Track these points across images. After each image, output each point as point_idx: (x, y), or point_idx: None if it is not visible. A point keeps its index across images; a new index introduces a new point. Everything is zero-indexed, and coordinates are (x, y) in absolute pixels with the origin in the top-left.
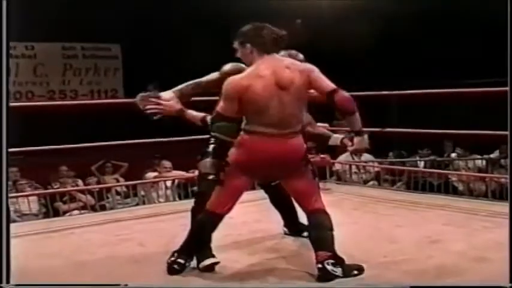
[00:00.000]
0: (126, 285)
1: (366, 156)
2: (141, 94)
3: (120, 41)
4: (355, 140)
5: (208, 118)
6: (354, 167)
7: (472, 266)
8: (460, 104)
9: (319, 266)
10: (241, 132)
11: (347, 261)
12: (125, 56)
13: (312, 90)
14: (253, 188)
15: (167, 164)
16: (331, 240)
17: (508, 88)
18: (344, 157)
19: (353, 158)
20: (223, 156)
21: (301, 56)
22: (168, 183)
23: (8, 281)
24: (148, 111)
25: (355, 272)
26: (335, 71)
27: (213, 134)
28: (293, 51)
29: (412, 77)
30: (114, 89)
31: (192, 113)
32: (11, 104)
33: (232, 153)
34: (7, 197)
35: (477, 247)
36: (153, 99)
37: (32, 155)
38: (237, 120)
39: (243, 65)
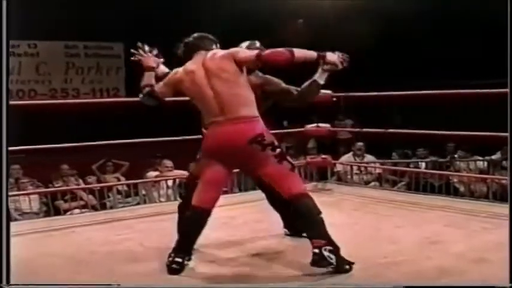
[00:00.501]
0: (119, 285)
1: (368, 157)
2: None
3: (123, 39)
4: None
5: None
6: (355, 168)
7: (471, 267)
8: (462, 105)
9: (316, 251)
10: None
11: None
12: (127, 55)
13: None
14: (253, 188)
15: (168, 163)
16: (322, 226)
17: (508, 89)
18: (346, 158)
19: (355, 159)
20: None
21: (257, 43)
22: (169, 183)
23: (8, 281)
24: (132, 58)
25: (347, 267)
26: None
27: None
28: (253, 41)
29: (414, 78)
30: (116, 88)
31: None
32: (14, 103)
33: (201, 147)
34: (7, 197)
35: (477, 248)
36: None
37: (34, 154)
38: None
39: None
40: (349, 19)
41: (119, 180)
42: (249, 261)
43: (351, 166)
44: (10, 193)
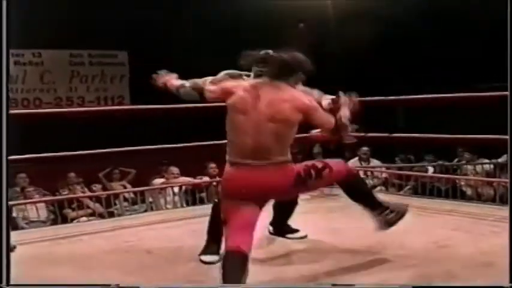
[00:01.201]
0: (118, 285)
1: (374, 162)
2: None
3: (128, 47)
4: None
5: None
6: (361, 172)
7: (480, 271)
8: (467, 108)
9: (380, 218)
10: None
11: (355, 267)
12: (132, 63)
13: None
14: None
15: (175, 170)
16: (374, 196)
17: (508, 92)
18: (352, 162)
19: (361, 164)
20: None
21: (239, 73)
22: (176, 190)
23: (8, 282)
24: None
25: (406, 208)
26: (340, 75)
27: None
28: (233, 72)
29: (418, 82)
30: (121, 96)
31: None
32: (19, 111)
33: (221, 186)
34: (7, 197)
35: (485, 252)
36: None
37: (40, 162)
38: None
39: (238, 72)
40: (351, 22)
41: (125, 187)
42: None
43: (357, 171)
44: (17, 202)
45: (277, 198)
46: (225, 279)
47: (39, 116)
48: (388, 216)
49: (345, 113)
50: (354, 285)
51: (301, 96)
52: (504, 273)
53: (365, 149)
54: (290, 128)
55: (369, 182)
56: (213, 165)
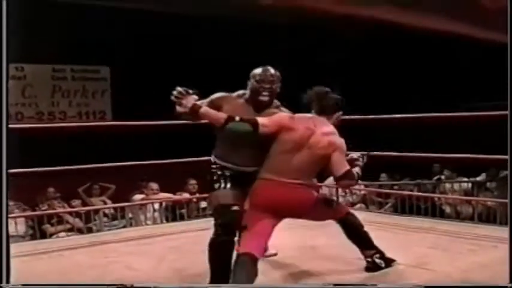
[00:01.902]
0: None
1: None
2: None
3: (110, 63)
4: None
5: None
6: (340, 189)
7: None
8: (448, 128)
9: (369, 259)
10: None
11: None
12: (114, 78)
13: None
14: None
15: (154, 186)
16: (369, 238)
17: (508, 112)
18: (331, 180)
19: None
20: (239, 186)
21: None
22: (156, 206)
23: (7, 281)
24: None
25: (392, 264)
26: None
27: (223, 163)
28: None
29: (398, 101)
30: (103, 111)
31: (210, 111)
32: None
33: (249, 198)
34: (7, 197)
35: (462, 270)
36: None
37: (20, 177)
38: (256, 129)
39: (231, 94)
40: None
41: (105, 203)
42: None
43: (337, 188)
44: None
45: (295, 216)
46: (235, 278)
47: (20, 131)
48: (377, 260)
49: (357, 170)
50: (356, 285)
51: (337, 135)
52: None
53: None
54: (325, 159)
55: (348, 199)
56: (193, 181)
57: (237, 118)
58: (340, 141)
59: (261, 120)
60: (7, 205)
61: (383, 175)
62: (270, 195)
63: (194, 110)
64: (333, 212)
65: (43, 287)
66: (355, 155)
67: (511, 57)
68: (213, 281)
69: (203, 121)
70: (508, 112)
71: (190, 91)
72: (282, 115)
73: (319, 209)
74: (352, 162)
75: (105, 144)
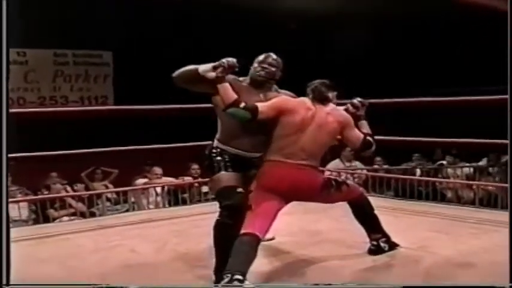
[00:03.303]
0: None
1: (356, 163)
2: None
3: (112, 48)
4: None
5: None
6: (343, 173)
7: (458, 272)
8: (450, 112)
9: (374, 243)
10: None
11: (335, 268)
12: (116, 63)
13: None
14: None
15: (158, 170)
16: (377, 221)
17: (508, 96)
18: (334, 163)
19: (344, 164)
20: (239, 169)
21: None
22: (158, 190)
23: (8, 282)
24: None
25: (396, 248)
26: (328, 77)
27: (225, 148)
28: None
29: (403, 85)
30: (104, 96)
31: (228, 88)
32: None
33: (256, 180)
34: (7, 197)
35: (464, 253)
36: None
37: (23, 161)
38: (255, 117)
39: (238, 78)
40: (342, 25)
41: (107, 187)
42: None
43: (339, 172)
44: None
45: (302, 199)
46: (233, 257)
47: (22, 115)
48: (382, 244)
49: (368, 130)
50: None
51: (341, 110)
52: (482, 273)
53: (349, 149)
54: (331, 137)
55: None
56: (195, 166)
57: (242, 105)
58: (345, 116)
59: (260, 106)
60: (7, 205)
61: (378, 158)
62: (278, 177)
63: (219, 80)
64: (345, 193)
65: (43, 287)
66: (353, 103)
67: (511, 58)
68: (218, 263)
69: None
70: (508, 96)
71: (236, 66)
72: (282, 98)
73: (329, 191)
74: (354, 115)
75: (107, 129)
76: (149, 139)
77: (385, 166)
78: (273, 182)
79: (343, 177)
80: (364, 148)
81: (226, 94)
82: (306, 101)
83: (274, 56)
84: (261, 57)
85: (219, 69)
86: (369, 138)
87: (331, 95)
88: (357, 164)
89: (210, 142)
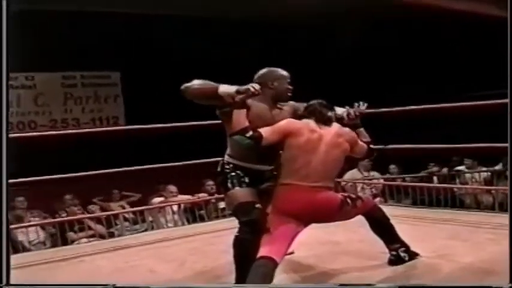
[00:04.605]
0: (114, 285)
1: (373, 173)
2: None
3: (120, 68)
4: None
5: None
6: (360, 183)
7: (479, 279)
8: (462, 117)
9: (393, 253)
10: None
11: (356, 277)
12: (125, 83)
13: None
14: None
15: (173, 188)
16: (394, 231)
17: (508, 100)
18: (351, 173)
19: (362, 174)
20: (252, 183)
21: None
22: (175, 208)
23: (8, 282)
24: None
25: (417, 257)
26: (332, 86)
27: (237, 163)
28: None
29: (412, 91)
30: (116, 117)
31: (243, 114)
32: (15, 135)
33: (272, 204)
34: (7, 197)
35: (484, 260)
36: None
37: (38, 185)
38: (259, 141)
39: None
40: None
41: (123, 208)
42: None
43: (355, 183)
44: (19, 225)
45: (320, 221)
46: (249, 280)
47: (35, 139)
48: (402, 253)
49: (367, 137)
50: (368, 285)
51: (346, 129)
52: (505, 280)
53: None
54: (343, 157)
55: (368, 192)
56: (210, 182)
57: (249, 134)
58: (352, 134)
59: (265, 132)
60: (7, 205)
61: (392, 166)
62: (294, 201)
63: (238, 106)
64: (360, 208)
65: (43, 287)
66: (339, 111)
67: (511, 63)
68: (238, 279)
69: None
70: (508, 100)
71: (260, 93)
72: (286, 121)
73: (346, 209)
74: (351, 125)
75: (120, 149)
76: (163, 157)
77: (402, 175)
78: (289, 205)
79: (359, 187)
80: (367, 157)
81: (238, 120)
82: (309, 122)
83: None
84: (285, 73)
85: (242, 95)
86: (371, 146)
87: (331, 114)
88: (375, 174)
89: (221, 158)
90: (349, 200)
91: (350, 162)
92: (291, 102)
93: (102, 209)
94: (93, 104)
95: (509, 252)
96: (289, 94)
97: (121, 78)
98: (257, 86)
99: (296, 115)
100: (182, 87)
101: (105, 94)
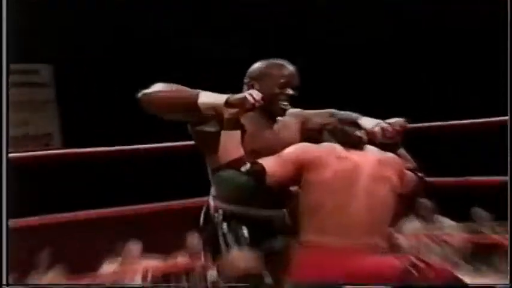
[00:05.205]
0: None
1: (443, 220)
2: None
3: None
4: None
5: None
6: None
7: None
8: None
9: None
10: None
11: None
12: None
13: None
14: None
15: (134, 248)
16: None
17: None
18: (411, 226)
19: (424, 225)
20: (257, 239)
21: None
22: (138, 279)
23: (8, 282)
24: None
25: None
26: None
27: (230, 208)
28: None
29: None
30: (48, 134)
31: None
32: None
33: (291, 274)
34: (8, 196)
35: None
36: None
37: None
38: (262, 178)
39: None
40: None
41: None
42: None
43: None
44: None
45: None
46: None
47: None
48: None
49: (412, 162)
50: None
51: (390, 154)
52: None
53: (424, 201)
54: (394, 196)
55: (437, 251)
56: (195, 235)
57: (246, 167)
58: (398, 159)
59: (269, 166)
60: (7, 205)
61: (478, 210)
62: (323, 271)
63: (229, 124)
64: (432, 280)
65: (43, 287)
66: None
67: (511, 60)
68: None
69: None
70: (508, 117)
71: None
72: (299, 147)
73: (408, 283)
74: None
75: (54, 183)
76: (117, 197)
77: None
78: (316, 277)
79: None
80: (416, 193)
81: (226, 147)
82: (335, 146)
83: (292, 67)
84: (280, 75)
85: (235, 109)
86: (420, 175)
87: (361, 133)
88: (444, 220)
89: (205, 199)
90: (414, 270)
91: (403, 206)
92: (297, 110)
93: None
94: (13, 114)
95: (509, 252)
96: (284, 105)
97: (54, 75)
98: (256, 94)
99: (308, 129)
100: (140, 94)
101: (30, 98)
